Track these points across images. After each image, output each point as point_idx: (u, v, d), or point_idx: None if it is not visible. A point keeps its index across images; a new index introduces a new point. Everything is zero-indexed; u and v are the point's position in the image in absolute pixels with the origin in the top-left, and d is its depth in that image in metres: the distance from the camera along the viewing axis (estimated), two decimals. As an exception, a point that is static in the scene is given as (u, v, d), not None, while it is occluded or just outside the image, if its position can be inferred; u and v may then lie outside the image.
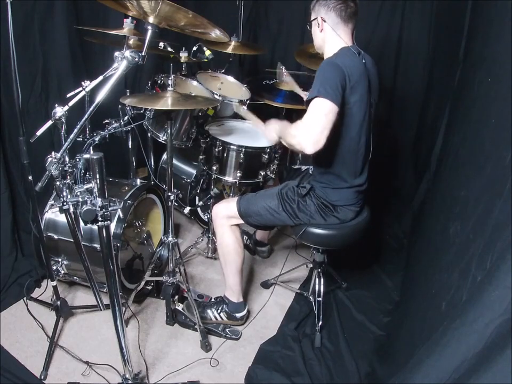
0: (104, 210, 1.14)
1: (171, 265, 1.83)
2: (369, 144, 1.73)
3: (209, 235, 2.41)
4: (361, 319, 2.01)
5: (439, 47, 2.71)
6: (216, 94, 2.19)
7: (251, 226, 1.87)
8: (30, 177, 1.48)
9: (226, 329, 1.88)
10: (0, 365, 1.60)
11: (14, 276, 2.03)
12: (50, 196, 1.87)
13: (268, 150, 2.06)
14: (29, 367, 1.64)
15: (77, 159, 1.40)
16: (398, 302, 2.12)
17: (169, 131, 1.68)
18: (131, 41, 2.06)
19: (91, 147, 1.80)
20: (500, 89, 1.17)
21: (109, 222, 1.17)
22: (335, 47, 1.61)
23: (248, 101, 2.30)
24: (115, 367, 1.62)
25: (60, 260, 1.87)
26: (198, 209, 2.54)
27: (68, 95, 1.46)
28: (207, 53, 2.34)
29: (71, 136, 1.25)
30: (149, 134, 2.25)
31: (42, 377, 1.59)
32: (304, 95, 2.13)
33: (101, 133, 1.87)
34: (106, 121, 2.03)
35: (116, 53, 1.32)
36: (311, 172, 1.90)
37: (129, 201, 1.85)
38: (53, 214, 1.85)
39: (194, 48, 2.36)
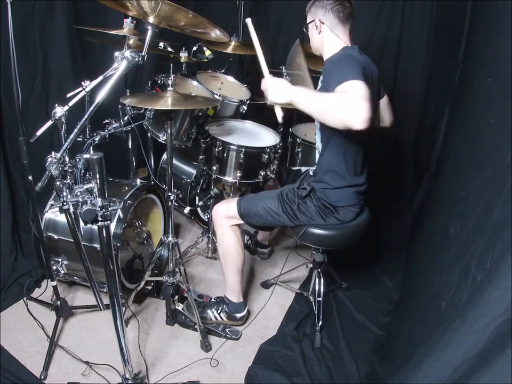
0: (104, 210, 1.13)
1: (171, 265, 1.83)
2: (370, 142, 1.73)
3: (209, 235, 2.41)
4: (361, 319, 2.01)
5: (439, 47, 2.71)
6: (216, 94, 2.20)
7: (251, 226, 1.87)
8: (30, 177, 1.48)
9: (227, 329, 1.88)
10: (0, 365, 1.60)
11: (14, 275, 2.03)
12: (50, 196, 1.87)
13: (268, 150, 2.06)
14: (29, 367, 1.63)
15: (77, 159, 1.40)
16: (398, 302, 2.12)
17: (169, 131, 1.68)
18: (131, 41, 2.06)
19: (91, 147, 1.80)
20: (500, 89, 1.17)
21: (109, 222, 1.17)
22: (335, 48, 1.60)
23: (248, 101, 2.30)
24: (115, 367, 1.62)
25: (60, 259, 1.87)
26: (198, 209, 2.54)
27: (68, 95, 1.46)
28: (207, 53, 2.34)
29: (71, 136, 1.26)
30: (149, 134, 2.25)
31: (42, 377, 1.59)
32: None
33: (101, 133, 1.87)
34: (106, 121, 2.03)
35: (116, 53, 1.32)
36: (311, 173, 1.90)
37: (129, 201, 1.85)
38: (53, 214, 1.85)
39: (194, 48, 2.36)
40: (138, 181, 2.17)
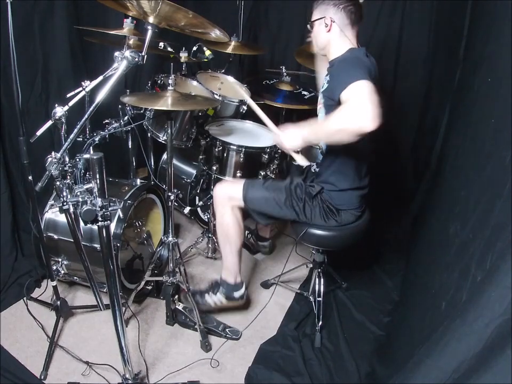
0: (104, 210, 1.13)
1: (171, 265, 1.83)
2: (373, 145, 1.73)
3: (209, 235, 2.41)
4: (361, 319, 2.01)
5: (439, 47, 2.71)
6: (216, 94, 2.20)
7: (250, 212, 1.81)
8: (30, 177, 1.48)
9: (227, 329, 1.88)
10: (0, 365, 1.60)
11: (14, 276, 2.03)
12: (50, 195, 1.87)
13: (268, 150, 2.06)
14: (29, 367, 1.63)
15: (77, 159, 1.40)
16: (398, 302, 2.12)
17: (169, 131, 1.68)
18: (131, 41, 2.06)
19: (91, 147, 1.80)
20: (500, 89, 1.17)
21: (109, 222, 1.17)
22: (342, 48, 1.57)
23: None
24: (115, 367, 1.62)
25: (60, 259, 1.87)
26: (198, 209, 2.54)
27: (68, 95, 1.46)
28: (207, 53, 2.34)
29: (71, 136, 1.25)
30: (149, 134, 2.25)
31: (42, 377, 1.59)
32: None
33: (101, 133, 1.87)
34: (106, 121, 2.03)
35: (116, 53, 1.32)
36: (313, 170, 1.90)
37: (129, 201, 1.85)
38: (53, 214, 1.85)
39: (194, 48, 2.36)
40: (138, 181, 2.17)
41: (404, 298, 2.06)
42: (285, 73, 2.53)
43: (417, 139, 3.00)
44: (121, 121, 2.05)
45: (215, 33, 1.65)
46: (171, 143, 1.72)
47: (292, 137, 1.54)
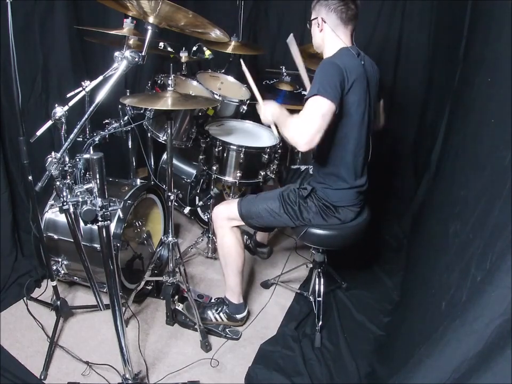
0: (104, 210, 1.13)
1: (171, 265, 1.83)
2: (369, 145, 1.73)
3: (209, 235, 2.41)
4: (361, 319, 2.01)
5: (439, 47, 2.71)
6: (216, 94, 2.20)
7: (252, 228, 1.87)
8: (30, 177, 1.48)
9: (227, 329, 1.88)
10: (0, 365, 1.60)
11: (14, 276, 2.03)
12: (50, 195, 1.87)
13: (268, 150, 2.06)
14: (29, 367, 1.64)
15: (77, 159, 1.40)
16: (398, 302, 2.12)
17: (169, 131, 1.68)
18: (131, 41, 2.06)
19: (91, 147, 1.80)
20: (500, 89, 1.17)
21: (109, 222, 1.17)
22: (334, 48, 1.61)
23: (248, 101, 2.30)
24: (115, 367, 1.62)
25: (60, 259, 1.87)
26: (198, 209, 2.54)
27: (68, 95, 1.46)
28: (207, 53, 2.34)
29: (71, 136, 1.26)
30: (149, 134, 2.25)
31: (42, 377, 1.59)
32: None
33: (101, 133, 1.87)
34: (106, 121, 2.03)
35: (116, 53, 1.32)
36: (311, 172, 1.90)
37: (129, 201, 1.85)
38: (53, 214, 1.85)
39: (194, 48, 2.36)
40: (138, 181, 2.17)
41: (404, 298, 2.06)
42: (285, 73, 2.53)
43: (417, 139, 3.00)
44: (121, 121, 2.05)
45: (215, 33, 1.65)
46: (171, 143, 1.71)
47: (267, 112, 1.68)
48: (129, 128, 2.09)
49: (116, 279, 1.27)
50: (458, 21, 2.35)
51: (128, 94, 2.17)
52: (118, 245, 1.75)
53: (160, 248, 1.91)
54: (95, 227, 1.17)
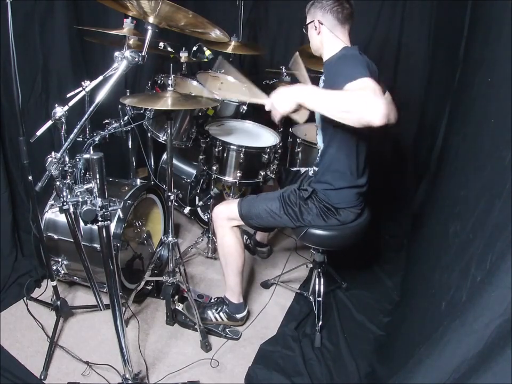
0: (104, 210, 1.13)
1: (171, 265, 1.83)
2: (369, 144, 1.72)
3: (209, 235, 2.41)
4: (361, 319, 2.01)
5: (439, 47, 2.71)
6: (216, 94, 2.19)
7: (251, 228, 1.87)
8: (30, 177, 1.48)
9: (227, 329, 1.88)
10: (0, 365, 1.60)
11: (14, 276, 2.03)
12: (50, 195, 1.87)
13: (268, 150, 2.06)
14: (29, 367, 1.64)
15: (77, 159, 1.40)
16: (398, 302, 2.12)
17: (169, 131, 1.68)
18: (131, 41, 2.06)
19: (91, 147, 1.80)
20: (500, 89, 1.17)
21: (109, 222, 1.17)
22: (335, 48, 1.60)
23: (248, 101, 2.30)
24: (115, 367, 1.62)
25: (60, 259, 1.87)
26: (198, 209, 2.54)
27: (68, 95, 1.45)
28: (207, 53, 2.33)
29: (71, 136, 1.26)
30: (149, 134, 2.25)
31: (42, 377, 1.59)
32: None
33: (101, 133, 1.87)
34: (106, 121, 2.03)
35: (116, 53, 1.32)
36: (310, 174, 1.90)
37: (129, 201, 1.85)
38: (53, 214, 1.85)
39: (194, 48, 2.36)
40: (138, 181, 2.17)
41: (404, 298, 2.06)
42: (285, 73, 2.53)
43: (417, 139, 3.00)
44: (121, 121, 2.05)
45: (215, 33, 1.65)
46: (171, 143, 1.71)
47: (284, 98, 1.36)
48: (129, 128, 2.09)
49: (116, 279, 1.27)
50: (458, 21, 2.35)
51: (128, 94, 2.17)
52: (118, 245, 1.75)
53: (160, 248, 1.91)
54: (95, 227, 1.17)
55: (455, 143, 1.88)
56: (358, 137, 1.62)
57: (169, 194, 1.75)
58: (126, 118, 2.06)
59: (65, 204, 1.22)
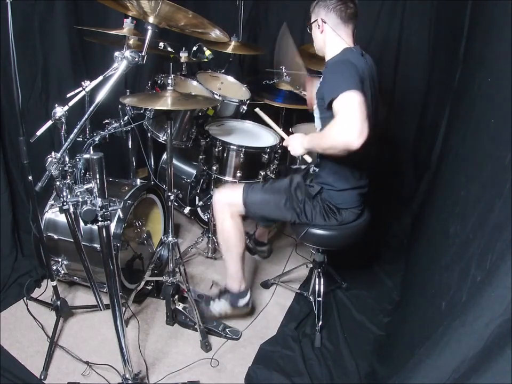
0: (104, 210, 1.13)
1: (171, 265, 1.83)
2: (370, 146, 1.72)
3: (209, 235, 2.41)
4: (361, 319, 2.01)
5: (439, 47, 2.71)
6: (216, 94, 2.20)
7: (250, 217, 1.84)
8: (30, 177, 1.48)
9: (227, 329, 1.88)
10: (0, 365, 1.60)
11: (14, 276, 2.03)
12: (50, 196, 1.87)
13: (268, 150, 2.06)
14: (29, 367, 1.64)
15: (77, 159, 1.40)
16: (398, 302, 2.12)
17: (169, 131, 1.68)
18: (131, 41, 2.06)
19: (91, 147, 1.80)
20: (500, 89, 1.17)
21: (109, 222, 1.17)
22: (337, 48, 1.60)
23: (248, 101, 2.30)
24: (115, 367, 1.62)
25: (60, 260, 1.87)
26: (198, 209, 2.54)
27: (68, 95, 1.46)
28: (207, 53, 2.34)
29: (71, 136, 1.26)
30: (149, 134, 2.25)
31: (42, 377, 1.59)
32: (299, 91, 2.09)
33: (101, 133, 1.87)
34: (106, 121, 2.03)
35: (116, 53, 1.32)
36: (311, 171, 1.90)
37: (129, 201, 1.85)
38: (53, 214, 1.85)
39: (194, 48, 2.36)
40: (138, 181, 2.17)
41: (404, 298, 2.06)
42: (285, 73, 2.53)
43: (417, 139, 3.00)
44: (121, 121, 2.05)
45: (215, 33, 1.65)
46: (171, 143, 1.72)
47: (296, 145, 1.66)
48: (129, 128, 2.09)
49: (116, 279, 1.27)
50: (458, 21, 2.35)
51: (128, 94, 2.17)
52: (118, 245, 1.75)
53: (160, 248, 1.91)
54: (95, 227, 1.17)
55: (455, 143, 1.88)
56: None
57: (169, 194, 1.75)
58: (126, 118, 2.06)
59: (65, 203, 1.22)
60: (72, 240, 1.50)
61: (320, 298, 1.94)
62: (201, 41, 2.33)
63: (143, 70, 2.69)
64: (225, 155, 2.06)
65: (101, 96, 1.27)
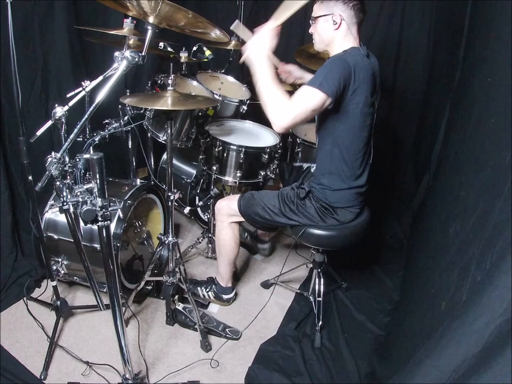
0: (104, 210, 1.13)
1: (171, 265, 1.83)
2: (371, 145, 1.72)
3: (209, 235, 2.41)
4: (361, 319, 2.01)
5: (439, 47, 2.72)
6: (216, 94, 2.20)
7: (252, 225, 1.88)
8: (30, 177, 1.48)
9: (227, 329, 1.88)
10: (0, 365, 1.60)
11: (14, 276, 2.03)
12: (50, 196, 1.87)
13: (268, 150, 2.06)
14: (29, 367, 1.63)
15: (77, 159, 1.40)
16: (398, 302, 2.12)
17: (169, 131, 1.68)
18: (131, 41, 2.06)
19: (91, 147, 1.80)
20: (500, 89, 1.17)
21: (109, 222, 1.17)
22: (346, 46, 1.57)
23: (248, 101, 2.30)
24: (115, 367, 1.62)
25: (60, 259, 1.87)
26: (198, 209, 2.54)
27: (68, 95, 1.46)
28: (207, 53, 2.34)
29: (71, 136, 1.25)
30: (149, 134, 2.25)
31: (42, 377, 1.59)
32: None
33: (101, 133, 1.87)
34: (106, 121, 2.03)
35: (116, 53, 1.32)
36: (312, 171, 1.90)
37: (129, 201, 1.85)
38: (53, 214, 1.85)
39: (194, 48, 2.36)
40: (138, 181, 2.17)
41: (404, 298, 2.06)
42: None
43: (417, 139, 3.00)
44: (121, 121, 2.05)
45: (215, 33, 1.65)
46: (171, 143, 1.71)
47: (255, 49, 1.57)
48: (129, 128, 2.09)
49: (116, 279, 1.27)
50: (458, 21, 2.35)
51: (128, 94, 2.17)
52: (118, 245, 1.75)
53: (160, 248, 1.91)
54: (95, 227, 1.17)
55: (455, 143, 1.88)
56: (356, 140, 1.62)
57: (169, 194, 1.75)
58: (126, 118, 2.06)
59: (65, 203, 1.23)
60: (72, 240, 1.50)
61: (320, 298, 1.94)
62: (201, 41, 2.33)
63: (143, 70, 2.69)
64: (225, 155, 2.06)
65: (101, 96, 1.27)
